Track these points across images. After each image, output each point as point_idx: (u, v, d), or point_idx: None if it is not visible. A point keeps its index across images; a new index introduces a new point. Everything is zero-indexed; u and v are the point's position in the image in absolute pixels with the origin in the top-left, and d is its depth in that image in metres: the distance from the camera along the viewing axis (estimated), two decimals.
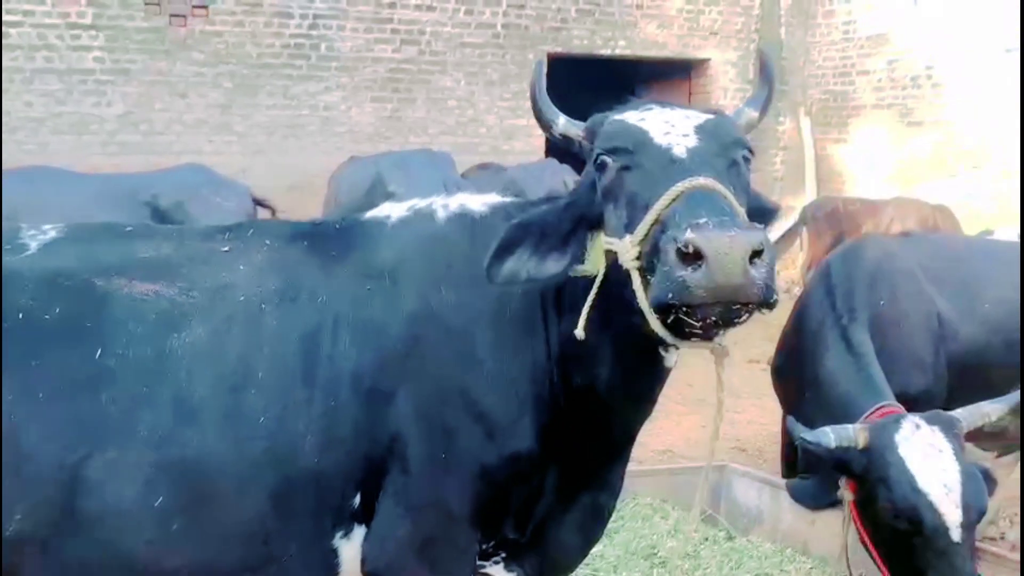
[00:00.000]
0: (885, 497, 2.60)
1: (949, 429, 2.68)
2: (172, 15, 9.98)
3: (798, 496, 3.63)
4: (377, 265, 2.30)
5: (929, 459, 2.59)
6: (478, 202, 2.44)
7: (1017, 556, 3.53)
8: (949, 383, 3.53)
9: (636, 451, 5.85)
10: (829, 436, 2.73)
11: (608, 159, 1.97)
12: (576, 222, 2.09)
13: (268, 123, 10.46)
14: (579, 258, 2.08)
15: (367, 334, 2.22)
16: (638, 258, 1.83)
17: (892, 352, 3.34)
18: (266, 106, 10.44)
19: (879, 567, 2.75)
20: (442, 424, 2.20)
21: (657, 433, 6.58)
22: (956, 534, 2.52)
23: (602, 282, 2.05)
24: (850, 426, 2.77)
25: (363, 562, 2.25)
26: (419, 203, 2.47)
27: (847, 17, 12.14)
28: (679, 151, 1.87)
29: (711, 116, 2.01)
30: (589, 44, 12.07)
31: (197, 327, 2.15)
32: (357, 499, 2.21)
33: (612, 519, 3.85)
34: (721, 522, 3.95)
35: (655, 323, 1.82)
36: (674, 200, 1.76)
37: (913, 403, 3.33)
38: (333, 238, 2.40)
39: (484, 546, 2.38)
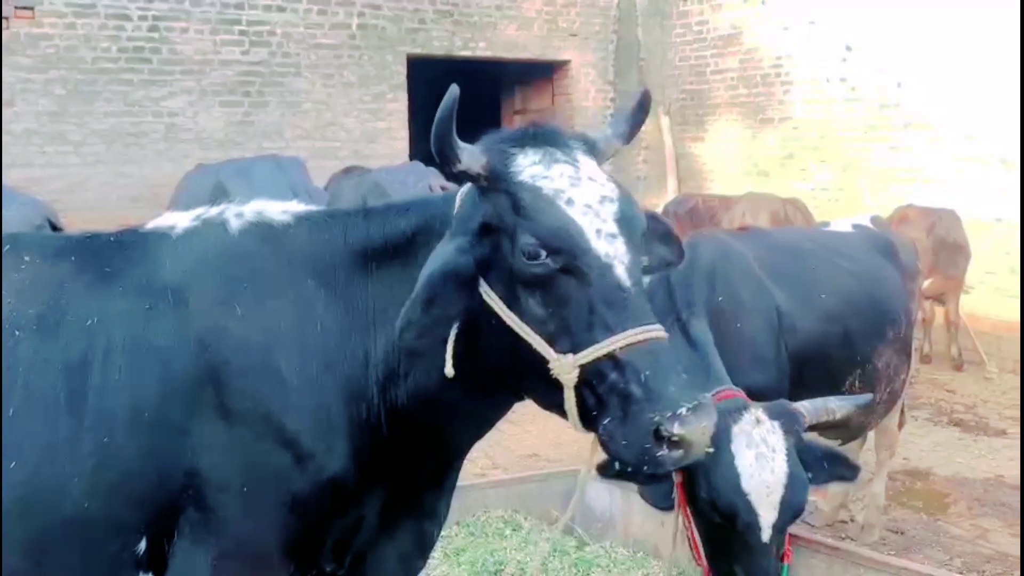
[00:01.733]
0: (707, 490, 2.58)
1: (790, 425, 2.66)
2: None
3: (646, 497, 3.56)
4: (159, 282, 2.06)
5: (760, 460, 2.55)
6: (278, 210, 2.23)
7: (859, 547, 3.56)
8: (790, 376, 3.53)
9: (499, 455, 5.74)
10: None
11: (542, 254, 1.82)
12: (479, 266, 1.91)
13: (107, 131, 9.81)
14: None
15: (147, 360, 1.98)
16: (576, 377, 1.81)
17: (733, 348, 3.31)
18: (104, 113, 9.78)
19: (694, 556, 2.76)
20: (244, 454, 1.98)
21: (523, 437, 6.50)
22: (767, 535, 2.53)
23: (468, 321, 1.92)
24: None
25: None
26: (208, 212, 2.25)
27: (700, 17, 12.43)
28: (620, 272, 1.83)
29: (621, 192, 1.93)
30: (448, 45, 11.92)
31: None
32: (142, 545, 1.97)
33: (461, 536, 3.73)
34: (575, 529, 3.85)
35: (599, 452, 1.89)
36: (630, 344, 1.78)
37: (757, 399, 3.32)
38: (107, 253, 2.15)
39: None
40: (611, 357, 1.78)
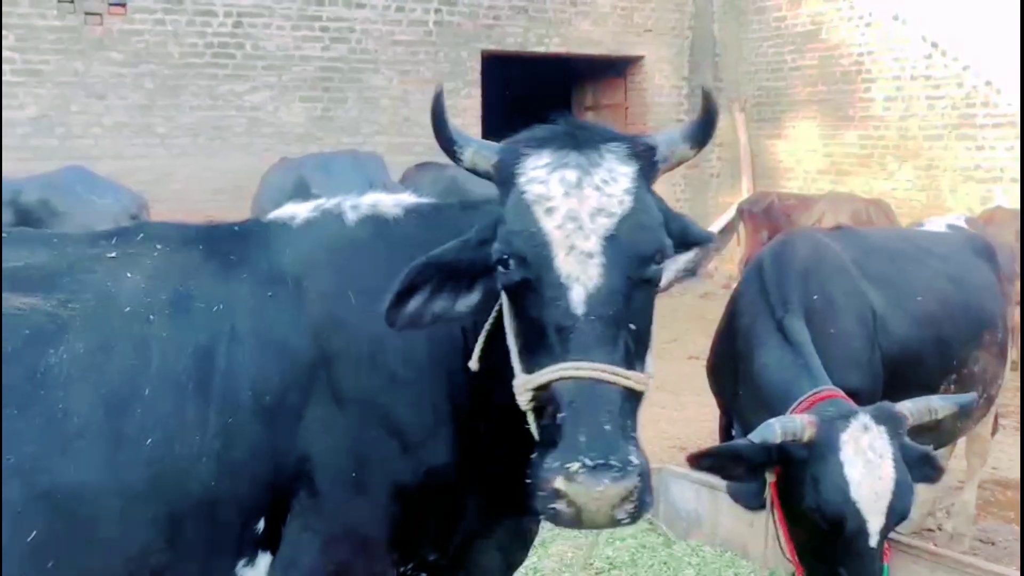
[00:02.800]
0: (813, 497, 2.55)
1: (895, 428, 2.61)
2: (87, 13, 9.56)
3: (736, 497, 3.53)
4: (280, 270, 2.12)
5: (869, 467, 2.54)
6: (391, 203, 2.27)
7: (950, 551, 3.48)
8: (884, 379, 3.47)
9: None
10: (775, 429, 2.62)
11: (511, 263, 1.75)
12: (487, 266, 1.87)
13: (192, 125, 10.10)
14: (493, 297, 1.92)
15: (268, 346, 2.03)
16: (531, 400, 1.75)
17: (826, 349, 3.25)
18: (190, 107, 10.08)
19: (787, 556, 2.71)
20: (353, 441, 2.03)
21: None
22: (875, 540, 2.52)
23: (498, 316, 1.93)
24: (797, 418, 2.66)
25: None
26: (326, 203, 2.30)
27: (778, 13, 12.23)
28: (576, 296, 1.68)
29: (636, 208, 1.75)
30: (523, 41, 11.95)
31: (76, 343, 1.94)
32: (261, 524, 2.03)
33: (546, 528, 3.74)
34: (659, 527, 3.84)
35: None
36: (561, 379, 1.66)
37: (853, 399, 3.27)
38: (231, 241, 2.21)
39: (403, 568, 2.21)
40: (546, 388, 1.70)
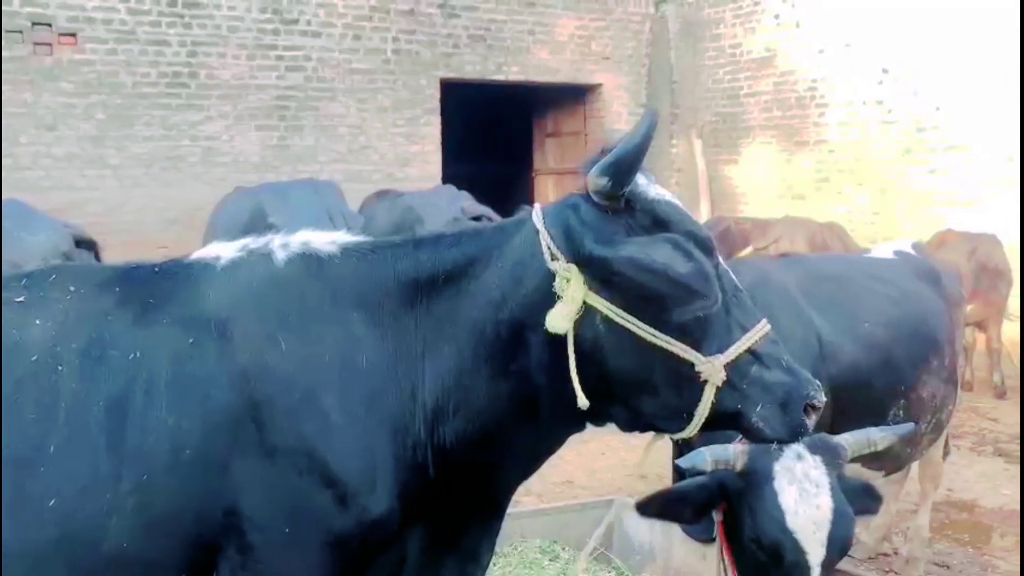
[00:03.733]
0: (751, 528, 2.49)
1: (832, 459, 2.54)
2: (36, 43, 9.41)
3: (688, 531, 3.49)
4: (203, 315, 2.02)
5: (804, 496, 2.46)
6: (325, 240, 2.19)
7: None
8: (832, 406, 3.45)
9: (534, 482, 5.67)
10: (705, 457, 2.55)
11: None
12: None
13: (146, 155, 9.96)
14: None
15: (189, 395, 1.94)
16: (724, 377, 1.97)
17: None
18: (143, 137, 9.94)
19: None
20: (287, 493, 1.93)
21: (557, 463, 6.43)
22: (815, 573, 2.44)
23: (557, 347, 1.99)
24: (729, 446, 2.58)
25: None
26: (253, 243, 2.21)
27: (733, 40, 12.41)
28: (733, 274, 2.09)
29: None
30: (482, 69, 11.99)
31: None
32: None
33: (499, 567, 3.68)
34: (614, 560, 3.79)
35: (753, 434, 2.09)
36: (762, 337, 2.01)
37: None
38: (151, 284, 2.11)
39: None
40: (750, 351, 1.99)
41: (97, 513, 1.83)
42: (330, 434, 1.97)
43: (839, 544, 2.46)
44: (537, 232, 2.03)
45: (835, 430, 3.42)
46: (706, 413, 1.98)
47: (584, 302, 1.95)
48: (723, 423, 2.04)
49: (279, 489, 1.93)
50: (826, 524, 2.42)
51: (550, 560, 3.71)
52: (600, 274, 1.94)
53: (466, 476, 2.12)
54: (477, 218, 7.42)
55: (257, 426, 1.94)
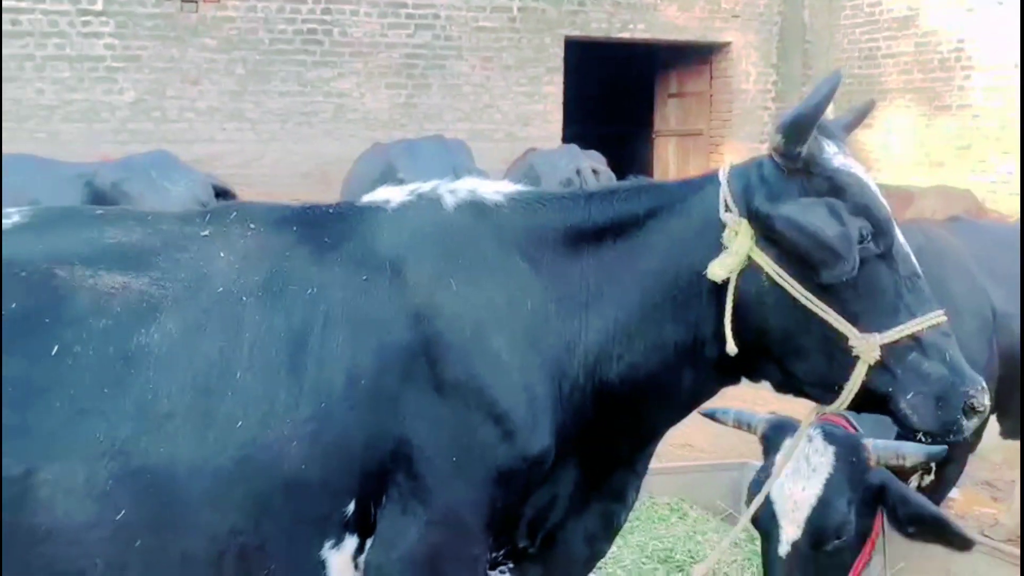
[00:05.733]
0: (750, 493, 2.57)
1: (846, 454, 2.55)
2: (183, 1, 9.85)
3: None
4: (376, 255, 2.10)
5: (795, 475, 2.50)
6: (491, 190, 2.25)
7: None
8: (999, 379, 3.29)
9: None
10: (730, 415, 2.83)
11: (868, 238, 1.97)
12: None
13: (281, 110, 10.33)
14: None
15: (364, 331, 2.02)
16: (877, 356, 1.95)
17: None
18: (279, 92, 10.30)
19: None
20: (455, 426, 2.01)
21: (676, 427, 6.40)
22: (784, 549, 2.47)
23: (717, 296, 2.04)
24: (757, 414, 2.75)
25: (365, 573, 2.07)
26: (423, 187, 2.28)
27: None
28: (915, 259, 2.04)
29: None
30: (607, 27, 11.83)
31: (168, 322, 1.95)
32: (351, 508, 2.03)
33: (628, 521, 3.71)
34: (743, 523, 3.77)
35: (908, 420, 1.99)
36: (931, 327, 1.97)
37: None
38: (326, 224, 2.21)
39: (494, 554, 2.22)
40: (913, 337, 1.95)
41: (278, 438, 1.93)
42: (498, 373, 2.04)
43: (814, 532, 2.45)
44: (720, 186, 2.09)
45: (1006, 404, 3.30)
46: (855, 389, 1.96)
47: (749, 257, 2.00)
48: (873, 404, 2.01)
49: (448, 422, 2.01)
50: (806, 507, 2.44)
51: (679, 518, 3.73)
52: (764, 230, 1.99)
53: (620, 420, 2.18)
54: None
55: (428, 362, 2.01)
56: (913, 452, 2.58)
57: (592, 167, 7.83)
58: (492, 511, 2.07)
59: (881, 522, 2.64)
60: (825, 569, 2.54)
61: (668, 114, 13.94)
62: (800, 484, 2.50)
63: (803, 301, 1.96)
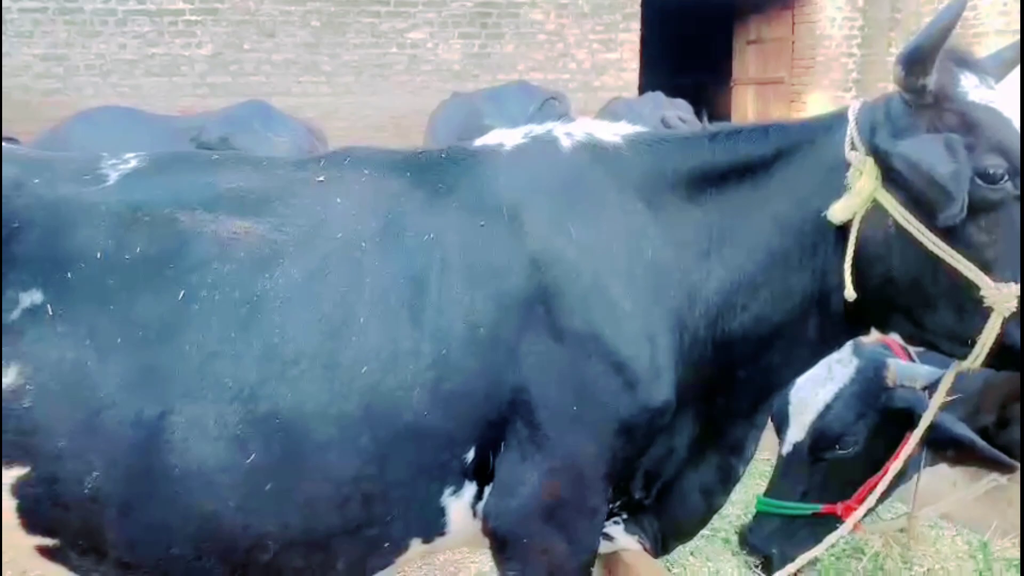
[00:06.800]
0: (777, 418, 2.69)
1: (866, 369, 2.61)
2: None
3: None
4: (492, 200, 2.05)
5: (813, 380, 2.58)
6: (608, 132, 2.18)
7: None
8: None
9: None
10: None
11: (1005, 177, 1.81)
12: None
13: (356, 62, 10.30)
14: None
15: (482, 277, 1.98)
16: (1014, 307, 1.82)
17: None
18: (353, 44, 10.26)
19: None
20: (574, 375, 1.97)
21: None
22: (786, 448, 2.58)
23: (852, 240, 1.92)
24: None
25: (484, 520, 2.06)
26: (537, 130, 2.22)
27: None
28: None
29: None
30: None
31: (290, 268, 1.93)
32: (471, 455, 2.01)
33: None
34: None
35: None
36: None
37: None
38: (439, 169, 2.15)
39: (611, 506, 2.20)
40: None
41: (401, 384, 1.91)
42: (618, 321, 1.97)
43: (823, 437, 2.54)
44: (847, 123, 1.98)
45: None
46: (989, 343, 1.84)
47: (875, 200, 1.89)
48: (1011, 360, 1.88)
49: (567, 371, 1.96)
50: (812, 411, 2.53)
51: None
52: (886, 169, 1.87)
53: (742, 372, 2.11)
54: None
55: (547, 309, 1.96)
56: (925, 375, 2.59)
57: (679, 116, 7.63)
58: (611, 462, 2.03)
59: (912, 448, 2.56)
60: (824, 477, 2.58)
61: (747, 62, 13.52)
62: (814, 389, 2.56)
63: (930, 247, 1.83)
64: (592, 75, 11.17)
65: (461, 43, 10.64)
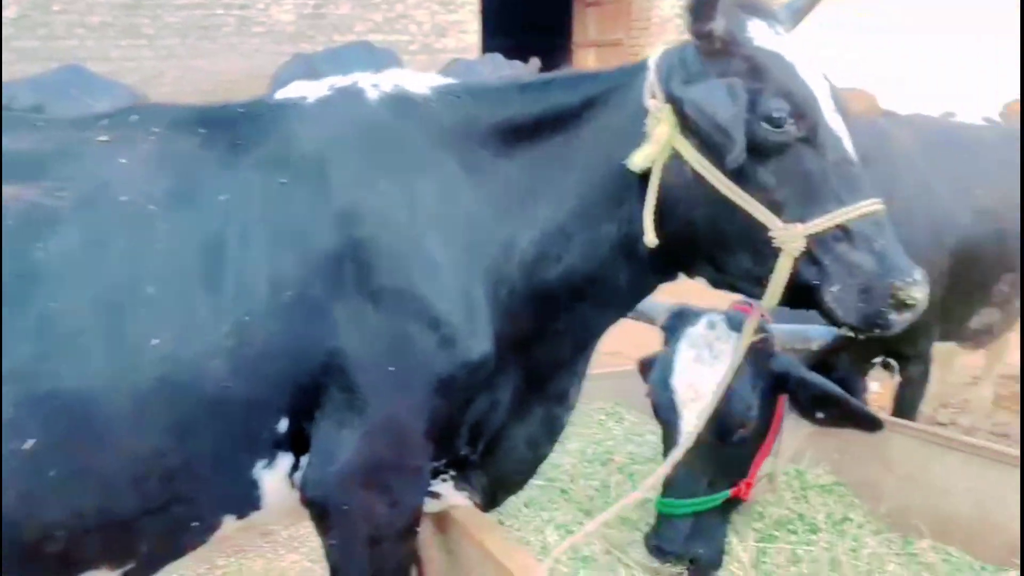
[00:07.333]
0: (648, 380, 2.54)
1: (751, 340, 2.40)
2: None
3: None
4: (294, 155, 1.95)
5: (697, 362, 2.43)
6: (418, 83, 2.10)
7: None
8: (946, 276, 3.30)
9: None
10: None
11: (788, 121, 1.84)
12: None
13: (180, 24, 9.72)
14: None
15: (285, 237, 1.88)
16: (802, 247, 1.85)
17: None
18: (176, 5, 9.67)
19: None
20: (390, 334, 1.91)
21: (606, 334, 6.43)
22: (684, 439, 2.32)
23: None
24: (660, 304, 2.64)
25: (302, 491, 1.99)
26: (342, 81, 2.12)
27: None
28: (848, 145, 1.90)
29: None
30: None
31: (69, 235, 1.77)
32: (284, 424, 1.92)
33: (569, 424, 3.69)
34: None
35: (833, 315, 1.88)
36: (862, 216, 1.85)
37: None
38: (236, 125, 2.02)
39: (436, 464, 2.16)
40: (841, 227, 1.84)
41: (198, 354, 1.80)
42: (432, 276, 1.93)
43: (723, 418, 2.34)
44: (648, 71, 1.98)
45: (946, 306, 3.31)
46: (782, 283, 1.87)
47: (674, 147, 1.91)
48: (803, 299, 1.93)
49: (382, 330, 1.90)
50: (707, 395, 2.31)
51: (615, 422, 3.71)
52: (680, 116, 1.89)
53: (560, 322, 2.11)
54: None
55: (358, 267, 1.89)
56: (819, 335, 2.53)
57: (517, 76, 7.65)
58: (432, 420, 2.00)
59: (782, 411, 2.59)
60: (728, 461, 2.47)
61: (587, 24, 13.68)
62: (701, 372, 2.41)
63: (724, 191, 1.87)
64: (433, 37, 11.01)
65: (294, 3, 10.23)
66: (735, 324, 2.46)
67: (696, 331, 2.49)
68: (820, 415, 2.54)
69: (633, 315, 2.71)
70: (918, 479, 2.85)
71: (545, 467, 3.25)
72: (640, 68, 2.03)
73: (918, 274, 1.83)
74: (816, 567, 2.63)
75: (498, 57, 8.20)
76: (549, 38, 14.40)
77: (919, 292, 1.82)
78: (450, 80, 2.18)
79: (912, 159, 3.30)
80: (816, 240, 1.84)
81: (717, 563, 2.48)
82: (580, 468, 3.21)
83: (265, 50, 9.57)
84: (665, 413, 2.48)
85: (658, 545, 2.43)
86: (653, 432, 3.59)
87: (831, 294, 1.85)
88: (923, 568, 2.61)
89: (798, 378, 2.53)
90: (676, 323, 2.55)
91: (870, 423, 2.54)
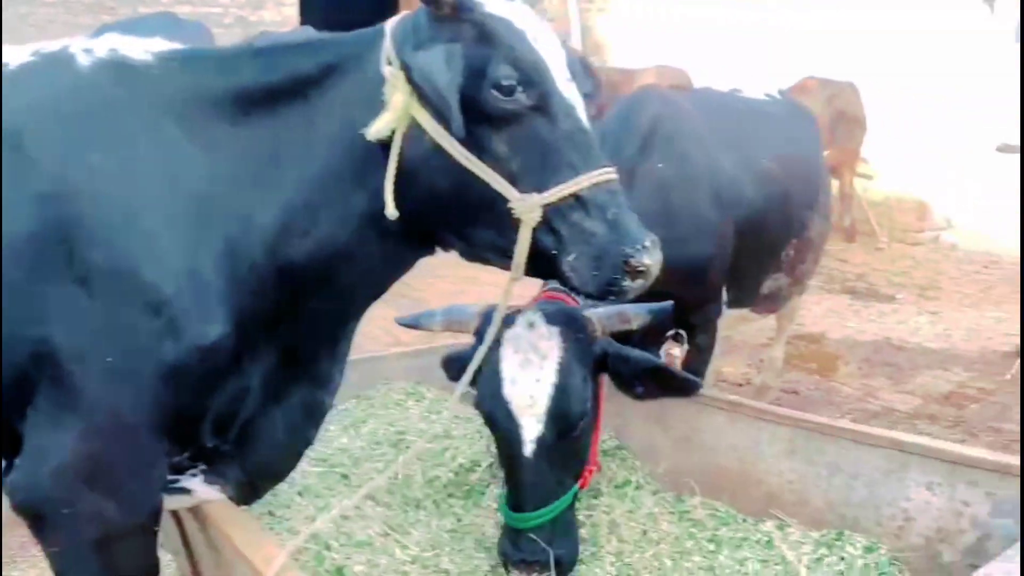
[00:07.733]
0: (478, 396, 2.42)
1: (571, 332, 2.42)
2: None
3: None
4: None
5: (525, 367, 2.34)
6: (137, 48, 1.95)
7: None
8: (735, 245, 3.38)
9: (403, 334, 5.57)
10: (436, 318, 2.65)
11: (517, 89, 1.79)
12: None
13: None
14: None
15: None
16: (539, 218, 1.82)
17: (674, 215, 3.04)
18: None
19: None
20: (106, 320, 1.76)
21: (415, 306, 6.37)
22: (529, 448, 2.31)
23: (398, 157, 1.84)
24: (469, 308, 2.59)
25: (11, 496, 1.83)
26: (48, 46, 1.95)
27: None
28: (581, 114, 1.87)
29: (565, 45, 1.94)
30: None
31: None
32: None
33: (360, 408, 3.60)
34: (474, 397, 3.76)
35: (583, 285, 1.86)
36: (595, 184, 1.82)
37: (699, 271, 3.18)
38: None
39: (177, 458, 2.03)
40: (576, 196, 1.82)
41: None
42: (155, 257, 1.80)
43: (563, 420, 2.33)
44: (385, 37, 1.90)
45: (736, 273, 3.41)
46: (525, 253, 1.84)
47: (412, 114, 1.84)
48: (545, 269, 1.90)
49: (98, 318, 1.76)
50: (544, 398, 2.30)
51: (415, 401, 3.65)
52: (414, 84, 1.82)
53: (314, 300, 2.01)
54: None
55: (68, 250, 1.75)
56: (637, 312, 2.52)
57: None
58: (162, 412, 1.86)
59: (603, 388, 2.58)
60: (572, 455, 2.44)
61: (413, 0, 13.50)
62: (533, 376, 2.33)
63: (462, 160, 1.81)
64: (248, 9, 10.54)
65: None
66: (553, 318, 2.41)
67: (517, 333, 2.40)
68: (640, 389, 2.54)
69: (444, 326, 2.61)
70: (691, 439, 2.96)
71: (330, 452, 3.18)
72: (378, 34, 1.94)
73: (648, 240, 1.82)
74: (595, 531, 2.68)
75: (309, 30, 7.91)
76: (373, 14, 14.07)
77: (649, 258, 1.81)
78: (178, 45, 2.03)
79: (699, 131, 3.36)
80: (552, 209, 1.81)
81: (576, 556, 2.44)
82: (368, 451, 3.14)
83: (59, 20, 8.87)
84: (504, 424, 2.36)
85: (522, 559, 2.35)
86: (450, 407, 3.57)
87: (567, 263, 1.83)
88: (693, 524, 2.71)
89: (617, 355, 2.52)
90: (488, 324, 2.35)
91: (689, 387, 2.58)
